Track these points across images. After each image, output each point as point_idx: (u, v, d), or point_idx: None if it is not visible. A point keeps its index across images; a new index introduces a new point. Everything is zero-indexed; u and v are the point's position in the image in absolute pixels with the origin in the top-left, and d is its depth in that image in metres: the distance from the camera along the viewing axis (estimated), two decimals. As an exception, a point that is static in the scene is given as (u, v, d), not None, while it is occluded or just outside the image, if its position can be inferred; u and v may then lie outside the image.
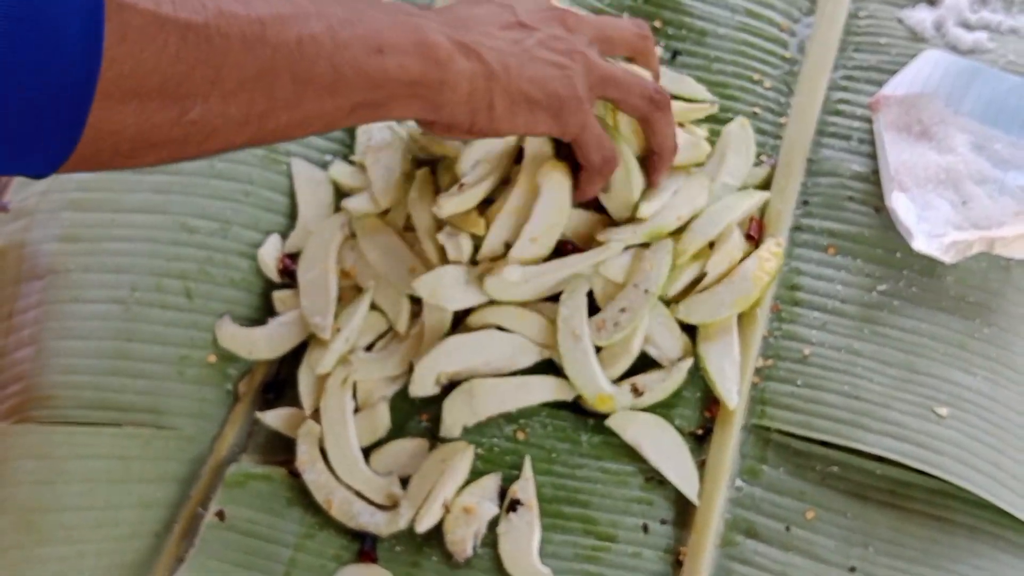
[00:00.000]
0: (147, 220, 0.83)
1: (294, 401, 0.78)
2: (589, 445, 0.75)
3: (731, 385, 0.75)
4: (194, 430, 0.78)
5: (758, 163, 0.85)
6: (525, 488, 0.74)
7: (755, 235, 0.81)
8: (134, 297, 0.80)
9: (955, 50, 0.88)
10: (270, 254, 0.83)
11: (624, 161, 0.75)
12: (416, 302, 0.79)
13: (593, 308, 0.77)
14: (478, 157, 0.79)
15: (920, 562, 0.70)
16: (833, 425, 0.74)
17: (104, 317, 0.80)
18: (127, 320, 0.80)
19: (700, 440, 0.76)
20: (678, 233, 0.78)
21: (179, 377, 0.79)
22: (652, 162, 0.77)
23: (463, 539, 0.72)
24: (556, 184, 0.75)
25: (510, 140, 0.78)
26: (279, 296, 0.82)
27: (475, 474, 0.75)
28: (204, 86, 0.54)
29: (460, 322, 0.78)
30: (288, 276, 0.83)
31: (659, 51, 0.89)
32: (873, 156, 0.84)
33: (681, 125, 0.81)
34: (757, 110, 0.87)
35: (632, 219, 0.78)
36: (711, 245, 0.79)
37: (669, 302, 0.78)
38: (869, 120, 0.86)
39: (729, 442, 0.75)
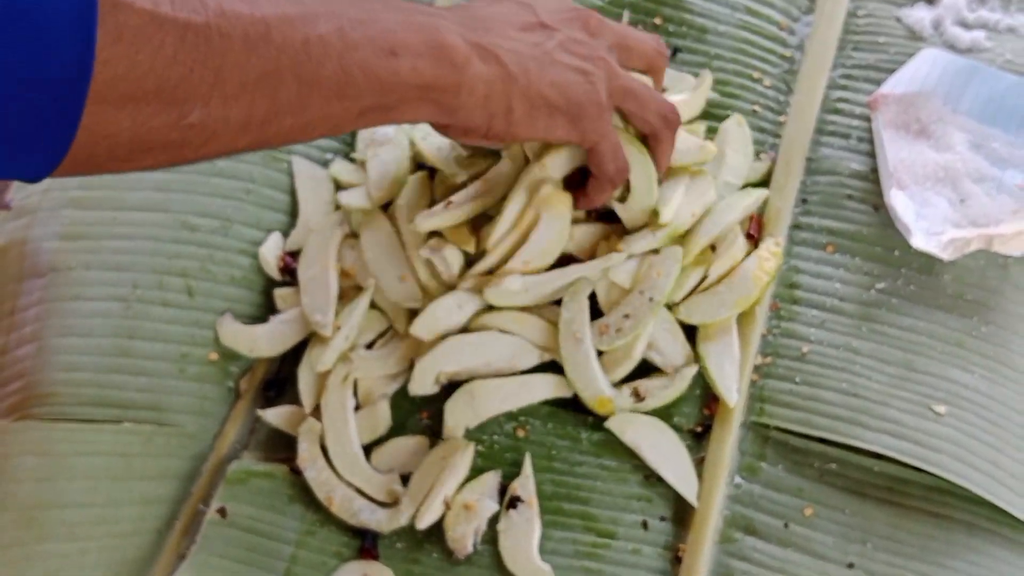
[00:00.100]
0: (148, 218, 0.83)
1: (295, 399, 0.79)
2: (589, 442, 0.76)
3: (730, 383, 0.76)
4: (195, 427, 0.78)
5: (757, 158, 0.85)
6: (525, 485, 0.74)
7: (755, 234, 0.81)
8: (135, 295, 0.81)
9: (953, 49, 0.89)
10: (271, 252, 0.83)
11: (644, 169, 0.75)
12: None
13: (596, 311, 0.77)
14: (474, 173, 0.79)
15: (918, 558, 0.71)
16: (832, 422, 0.74)
17: (105, 315, 0.80)
18: (128, 318, 0.80)
19: (699, 437, 0.76)
20: (685, 235, 0.79)
21: (180, 375, 0.79)
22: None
23: (463, 536, 0.72)
24: (557, 214, 0.75)
25: (507, 161, 0.78)
26: (280, 294, 0.82)
27: (475, 471, 0.75)
28: (203, 89, 0.53)
29: (460, 321, 0.79)
30: (289, 274, 0.83)
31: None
32: (872, 154, 0.84)
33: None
34: (757, 108, 0.88)
35: (645, 224, 0.78)
36: (713, 247, 0.79)
37: (671, 305, 0.78)
38: (868, 118, 0.86)
39: (728, 439, 0.75)
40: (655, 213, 0.77)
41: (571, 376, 0.76)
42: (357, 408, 0.78)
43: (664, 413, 0.76)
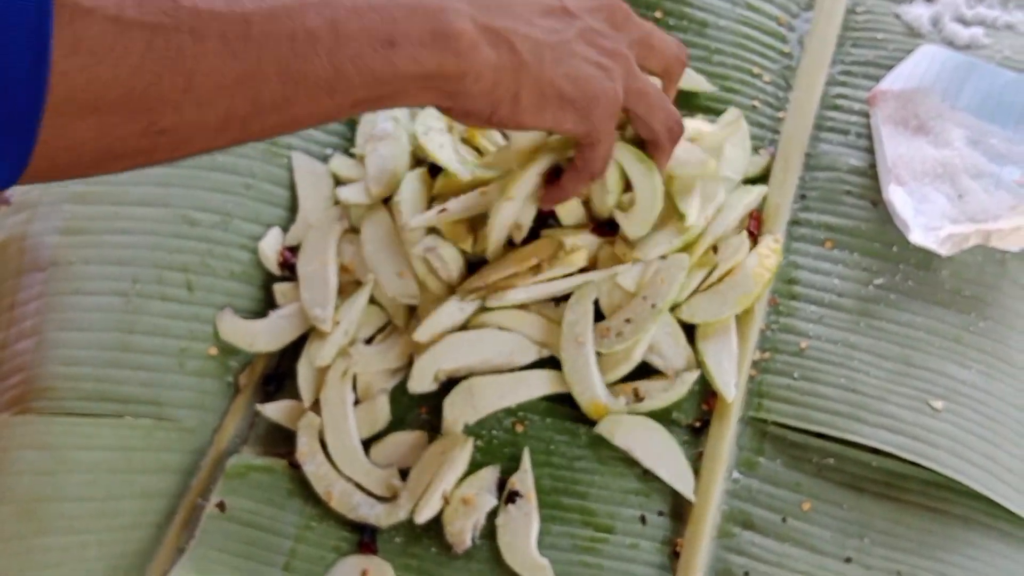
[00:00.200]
0: (148, 213, 0.84)
1: (294, 393, 0.79)
2: (587, 437, 0.76)
3: (728, 378, 0.76)
4: (195, 422, 0.79)
5: (756, 154, 0.85)
6: (523, 480, 0.74)
7: (754, 231, 0.82)
8: (135, 289, 0.81)
9: (951, 45, 0.89)
10: (271, 247, 0.84)
11: (651, 182, 0.75)
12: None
13: (597, 314, 0.78)
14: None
15: (915, 553, 0.71)
16: (829, 417, 0.74)
17: (105, 309, 0.80)
18: (128, 312, 0.80)
19: (697, 432, 0.76)
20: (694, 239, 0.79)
21: (180, 369, 0.79)
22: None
23: (462, 530, 0.73)
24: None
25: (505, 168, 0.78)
26: (279, 289, 0.83)
27: (474, 466, 0.75)
28: (174, 95, 0.50)
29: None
30: (288, 269, 0.83)
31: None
32: (870, 150, 0.85)
33: None
34: (756, 103, 0.88)
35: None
36: (714, 247, 0.80)
37: (673, 306, 0.78)
38: (867, 115, 0.86)
39: (726, 434, 0.75)
40: (680, 216, 0.77)
41: (569, 378, 0.76)
42: (356, 403, 0.78)
43: (662, 408, 0.76)
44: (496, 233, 0.77)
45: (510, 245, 0.79)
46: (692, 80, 0.87)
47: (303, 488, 0.75)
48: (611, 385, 0.77)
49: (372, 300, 0.80)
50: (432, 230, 0.79)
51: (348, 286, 0.81)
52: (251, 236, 0.84)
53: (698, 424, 0.76)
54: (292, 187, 0.86)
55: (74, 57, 0.47)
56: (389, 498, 0.75)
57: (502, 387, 0.77)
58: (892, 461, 0.73)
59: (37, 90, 0.46)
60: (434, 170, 0.82)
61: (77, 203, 0.84)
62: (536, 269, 0.76)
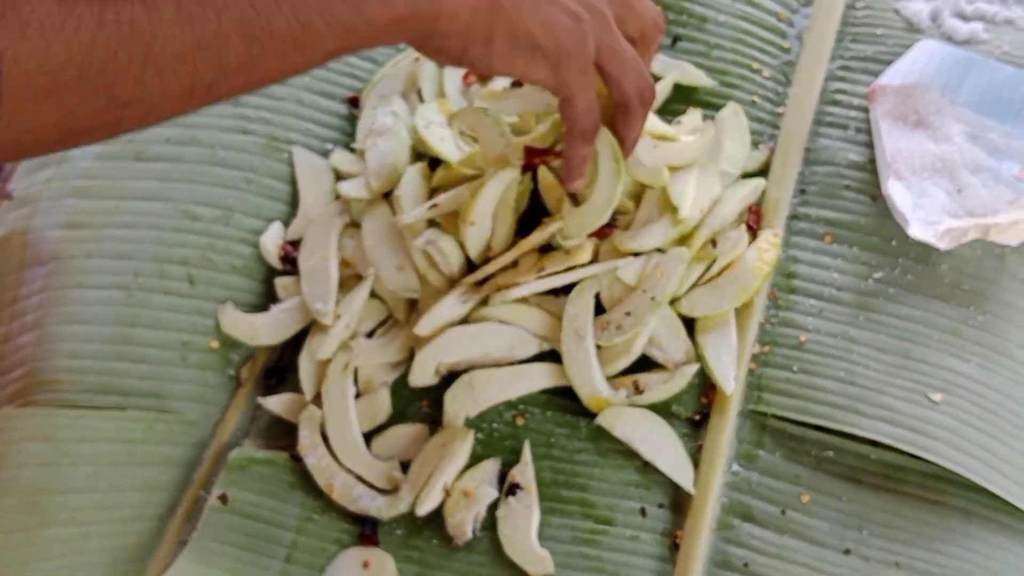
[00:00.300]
0: (150, 207, 0.84)
1: (296, 387, 0.79)
2: (587, 430, 0.76)
3: (728, 371, 0.76)
4: (197, 415, 0.79)
5: (755, 149, 0.86)
6: (524, 472, 0.74)
7: (753, 225, 0.82)
8: (137, 283, 0.81)
9: (951, 41, 0.89)
10: (272, 241, 0.84)
11: (611, 189, 0.74)
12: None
13: (597, 307, 0.78)
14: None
15: (914, 544, 0.71)
16: (828, 410, 0.75)
17: (107, 303, 0.80)
18: (130, 306, 0.80)
19: (697, 425, 0.77)
20: (691, 232, 0.79)
21: (181, 362, 0.80)
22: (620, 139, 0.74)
23: (463, 522, 0.73)
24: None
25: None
26: (281, 283, 0.83)
27: (475, 459, 0.75)
28: (133, 67, 0.50)
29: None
30: (289, 263, 0.83)
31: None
32: (870, 145, 0.85)
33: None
34: (756, 99, 0.88)
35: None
36: (713, 241, 0.80)
37: (673, 299, 0.78)
38: (866, 110, 0.87)
39: (726, 427, 0.76)
40: (674, 209, 0.77)
41: (569, 372, 0.76)
42: (357, 396, 0.78)
43: (662, 401, 0.76)
44: (473, 253, 0.77)
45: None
46: (691, 75, 0.88)
47: (304, 481, 0.76)
48: (611, 378, 0.77)
49: (373, 294, 0.80)
50: (432, 223, 0.79)
51: (349, 280, 0.82)
52: (252, 230, 0.84)
53: (698, 417, 0.77)
54: (293, 182, 0.87)
55: (23, 42, 0.47)
56: (390, 490, 0.75)
57: (503, 380, 0.77)
58: (891, 453, 0.73)
59: None
60: (434, 164, 0.82)
61: (79, 198, 0.84)
62: (539, 269, 0.77)
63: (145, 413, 0.78)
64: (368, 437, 0.77)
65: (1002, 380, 0.75)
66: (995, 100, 0.85)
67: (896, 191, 0.80)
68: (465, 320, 0.78)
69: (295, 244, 0.84)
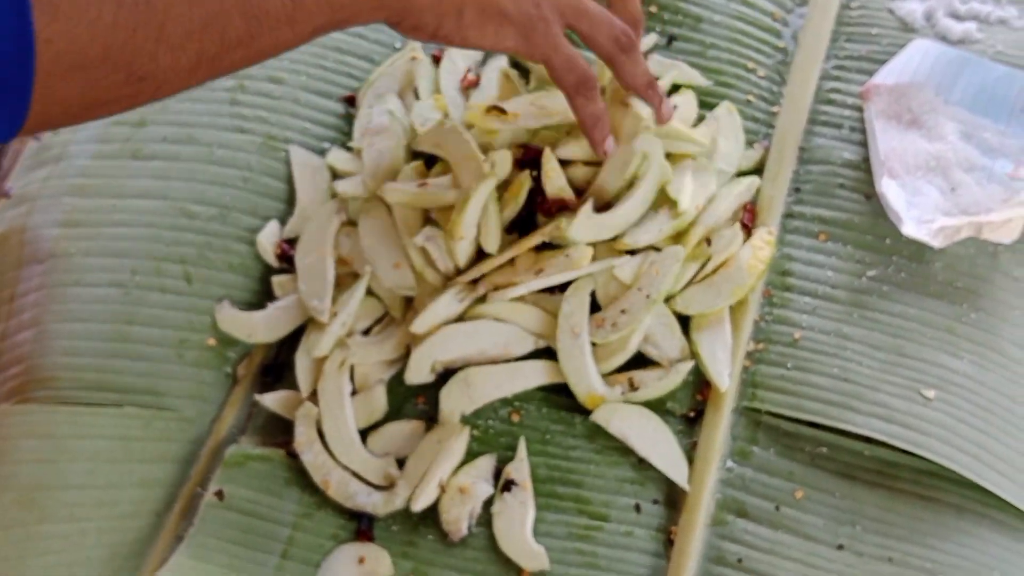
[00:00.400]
0: (147, 205, 0.84)
1: (292, 384, 0.79)
2: (583, 427, 0.76)
3: (722, 368, 0.76)
4: (193, 412, 0.79)
5: (750, 147, 0.86)
6: (519, 468, 0.75)
7: (748, 223, 0.82)
8: (134, 281, 0.81)
9: (945, 40, 0.90)
10: (268, 239, 0.84)
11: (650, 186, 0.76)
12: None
13: (593, 305, 0.78)
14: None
15: (907, 540, 0.71)
16: (822, 407, 0.75)
17: (105, 300, 0.81)
18: (127, 303, 0.81)
19: (692, 422, 0.77)
20: (686, 229, 0.79)
21: (179, 360, 0.80)
22: (647, 100, 0.78)
23: (458, 518, 0.73)
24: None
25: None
26: (277, 281, 0.83)
27: (471, 455, 0.76)
28: (148, 45, 0.54)
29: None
30: (286, 261, 0.84)
31: (655, 37, 0.91)
32: (864, 144, 0.85)
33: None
34: (751, 98, 0.89)
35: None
36: (708, 239, 0.80)
37: (668, 297, 0.79)
38: (860, 109, 0.87)
39: (720, 424, 0.76)
40: (673, 203, 0.78)
41: (565, 369, 0.77)
42: (354, 393, 0.78)
43: (657, 399, 0.77)
44: (463, 263, 0.78)
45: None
46: (687, 75, 0.88)
47: (301, 477, 0.76)
48: (607, 375, 0.77)
49: (369, 292, 0.81)
50: (429, 221, 0.80)
51: (345, 278, 0.82)
52: (249, 229, 0.85)
53: (692, 414, 0.77)
54: (290, 180, 0.87)
55: (55, 24, 0.51)
56: (386, 487, 0.75)
57: (498, 377, 0.77)
58: (884, 450, 0.74)
59: (26, 57, 0.50)
60: (430, 163, 0.82)
61: (76, 196, 0.85)
62: (537, 269, 0.77)
63: (142, 410, 0.78)
64: (364, 434, 0.77)
65: (995, 377, 0.76)
66: (989, 99, 0.85)
67: (890, 190, 0.80)
68: (461, 318, 0.78)
69: (292, 242, 0.84)
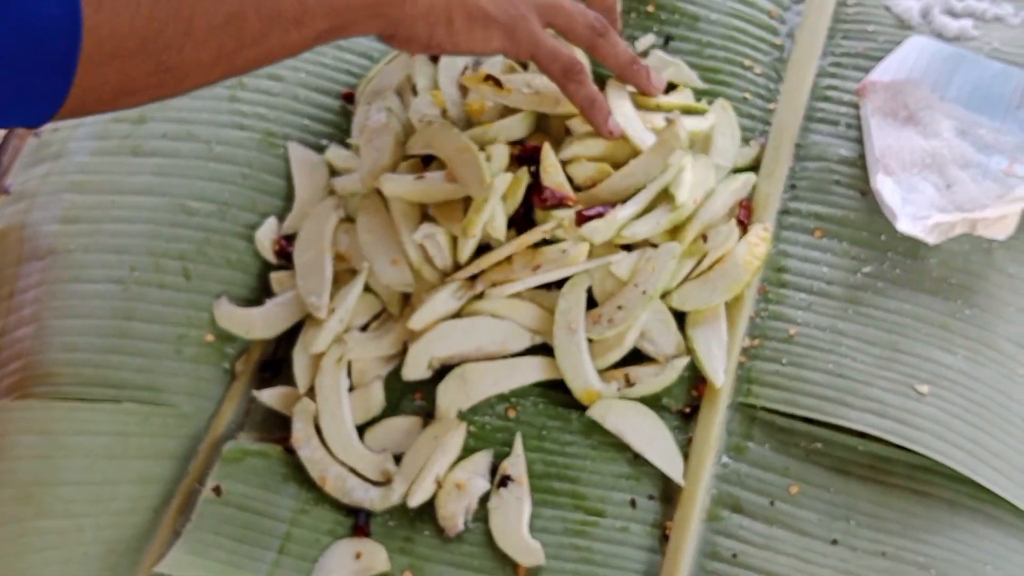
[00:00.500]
0: (146, 202, 0.85)
1: (290, 380, 0.80)
2: (579, 423, 0.77)
3: (718, 364, 0.77)
4: (191, 408, 0.80)
5: (746, 144, 0.86)
6: (516, 464, 0.75)
7: (744, 220, 0.82)
8: (133, 277, 0.82)
9: (941, 37, 0.90)
10: (267, 236, 0.85)
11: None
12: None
13: (590, 301, 0.78)
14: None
15: (901, 535, 0.72)
16: (817, 402, 0.75)
17: (104, 296, 0.81)
18: (126, 299, 0.81)
19: (687, 418, 0.77)
20: (683, 224, 0.80)
21: (177, 356, 0.80)
22: (631, 83, 0.83)
23: (455, 514, 0.74)
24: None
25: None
26: (276, 277, 0.84)
27: (467, 451, 0.76)
28: (178, 38, 0.59)
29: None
30: (285, 257, 0.84)
31: (652, 37, 0.91)
32: (860, 141, 0.86)
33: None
34: (747, 95, 0.89)
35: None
36: (704, 236, 0.80)
37: (664, 293, 0.79)
38: (856, 106, 0.87)
39: (715, 420, 0.76)
40: (670, 195, 0.78)
41: (561, 365, 0.77)
42: (351, 389, 0.79)
43: (653, 394, 0.77)
44: (465, 259, 0.78)
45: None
46: (684, 76, 0.88)
47: (298, 473, 0.76)
48: (603, 371, 0.78)
49: (367, 288, 0.81)
50: (427, 217, 0.80)
51: (343, 274, 0.82)
52: (248, 225, 0.85)
53: (688, 410, 0.77)
54: (288, 177, 0.87)
55: (99, 14, 0.55)
56: (383, 482, 0.75)
57: (495, 374, 0.78)
58: (878, 445, 0.74)
59: (74, 42, 0.55)
60: (427, 159, 0.83)
61: (76, 192, 0.85)
62: (535, 266, 0.77)
63: (140, 406, 0.78)
64: (361, 430, 0.78)
65: (989, 372, 0.76)
66: (984, 96, 0.85)
67: (885, 186, 0.80)
68: (458, 314, 0.79)
69: (290, 239, 0.84)
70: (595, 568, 0.72)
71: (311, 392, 0.78)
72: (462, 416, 0.77)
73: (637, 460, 0.76)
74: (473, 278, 0.79)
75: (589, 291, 0.78)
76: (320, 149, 0.88)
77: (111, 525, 0.75)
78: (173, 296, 0.82)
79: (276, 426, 0.79)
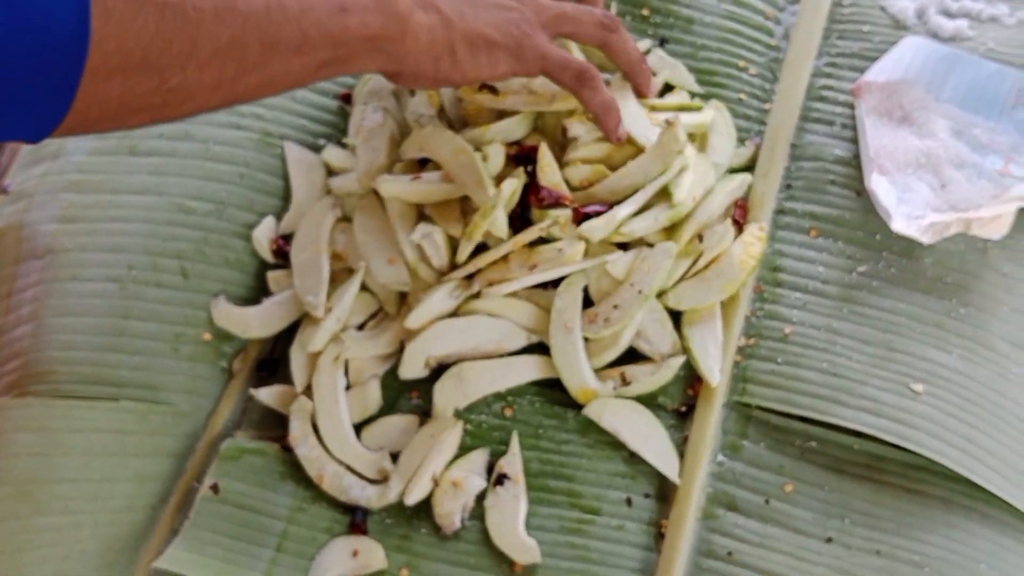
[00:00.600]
0: (144, 201, 0.85)
1: (287, 378, 0.80)
2: (575, 421, 0.77)
3: (713, 363, 0.77)
4: (189, 406, 0.80)
5: (742, 144, 0.86)
6: (512, 463, 0.75)
7: (740, 219, 0.83)
8: (131, 276, 0.82)
9: (936, 38, 0.90)
10: (265, 235, 0.85)
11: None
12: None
13: (586, 300, 0.79)
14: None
15: (895, 533, 0.72)
16: (812, 401, 0.76)
17: (101, 295, 0.81)
18: (124, 298, 0.81)
19: (683, 416, 0.77)
20: (680, 223, 0.80)
21: (174, 354, 0.81)
22: (633, 81, 0.82)
23: (451, 512, 0.74)
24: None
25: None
26: (273, 276, 0.84)
27: (464, 449, 0.76)
28: (181, 58, 0.59)
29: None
30: (282, 257, 0.84)
31: (648, 41, 0.91)
32: (855, 141, 0.86)
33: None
34: (743, 96, 0.89)
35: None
36: (699, 235, 0.81)
37: (660, 292, 0.79)
38: (852, 106, 0.88)
39: (711, 418, 0.76)
40: (668, 194, 0.78)
41: (558, 364, 0.77)
42: (348, 388, 0.79)
43: (648, 393, 0.77)
44: (464, 257, 0.78)
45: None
46: (681, 78, 0.89)
47: (295, 471, 0.76)
48: (599, 370, 0.78)
49: (364, 287, 0.81)
50: (424, 217, 0.80)
51: (340, 274, 0.82)
52: (245, 224, 0.85)
53: (684, 408, 0.78)
54: (285, 176, 0.88)
55: (107, 27, 0.55)
56: (380, 481, 0.76)
57: (492, 372, 0.78)
58: (873, 444, 0.74)
59: (80, 53, 0.54)
60: (423, 160, 0.83)
61: (74, 192, 0.85)
62: (531, 265, 0.78)
63: (138, 404, 0.79)
64: (358, 428, 0.78)
65: (983, 371, 0.76)
66: (979, 96, 0.86)
67: (880, 186, 0.81)
68: (455, 313, 0.79)
69: (288, 238, 0.84)
70: (591, 566, 0.72)
71: (308, 391, 0.79)
72: (459, 415, 0.77)
73: (633, 458, 0.76)
74: (470, 277, 0.79)
75: (585, 290, 0.79)
76: (317, 149, 0.89)
77: (109, 523, 0.75)
78: (171, 295, 0.82)
79: (273, 424, 0.79)
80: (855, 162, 0.85)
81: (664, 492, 0.75)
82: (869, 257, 0.81)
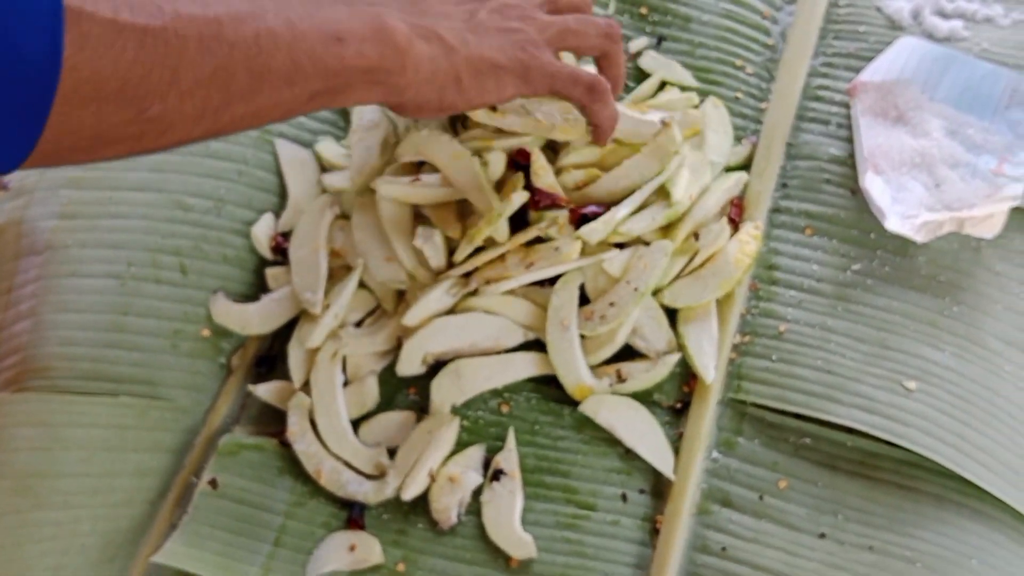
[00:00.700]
0: (143, 198, 0.85)
1: (285, 375, 0.80)
2: (571, 418, 0.77)
3: (708, 361, 0.77)
4: (188, 402, 0.80)
5: (738, 143, 0.87)
6: (508, 458, 0.76)
7: (735, 218, 0.83)
8: (130, 272, 0.82)
9: (931, 38, 0.90)
10: (263, 232, 0.85)
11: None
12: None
13: (582, 298, 0.79)
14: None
15: (888, 529, 0.72)
16: (806, 398, 0.76)
17: (101, 291, 0.82)
18: (123, 294, 0.82)
19: (678, 413, 0.78)
20: (676, 221, 0.80)
21: (173, 350, 0.81)
22: (613, 85, 0.78)
23: (448, 507, 0.74)
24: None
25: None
26: (272, 273, 0.84)
27: (460, 445, 0.77)
28: (161, 87, 0.55)
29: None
30: (280, 254, 0.85)
31: (644, 39, 0.92)
32: (851, 140, 0.86)
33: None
34: (739, 95, 0.89)
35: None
36: (695, 234, 0.81)
37: (656, 290, 0.80)
38: (847, 105, 0.88)
39: (706, 415, 0.77)
40: (665, 192, 0.79)
41: (554, 361, 0.78)
42: (346, 384, 0.79)
43: (644, 390, 0.78)
44: (460, 259, 0.79)
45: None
46: (678, 75, 0.89)
47: (293, 466, 0.77)
48: (595, 367, 0.78)
49: (362, 284, 0.81)
50: (420, 217, 0.81)
51: (338, 271, 0.83)
52: (243, 221, 0.86)
53: (679, 405, 0.78)
54: (283, 173, 0.88)
55: (82, 53, 0.51)
56: (377, 476, 0.76)
57: (489, 369, 0.78)
58: (866, 440, 0.75)
59: (51, 80, 0.51)
60: (419, 162, 0.83)
61: (73, 188, 0.86)
62: (528, 263, 0.78)
63: (137, 400, 0.79)
64: (356, 424, 0.78)
65: (976, 369, 0.77)
66: (974, 96, 0.86)
67: (874, 185, 0.81)
68: (452, 310, 0.79)
69: (286, 235, 0.85)
70: (586, 561, 0.73)
71: (306, 387, 0.79)
72: (455, 411, 0.78)
73: (628, 455, 0.76)
74: (467, 275, 0.79)
75: (582, 288, 0.79)
76: (313, 144, 0.89)
77: (108, 517, 0.76)
78: (170, 291, 0.82)
79: (271, 420, 0.80)
80: (850, 161, 0.85)
81: (659, 488, 0.76)
82: (863, 255, 0.81)
